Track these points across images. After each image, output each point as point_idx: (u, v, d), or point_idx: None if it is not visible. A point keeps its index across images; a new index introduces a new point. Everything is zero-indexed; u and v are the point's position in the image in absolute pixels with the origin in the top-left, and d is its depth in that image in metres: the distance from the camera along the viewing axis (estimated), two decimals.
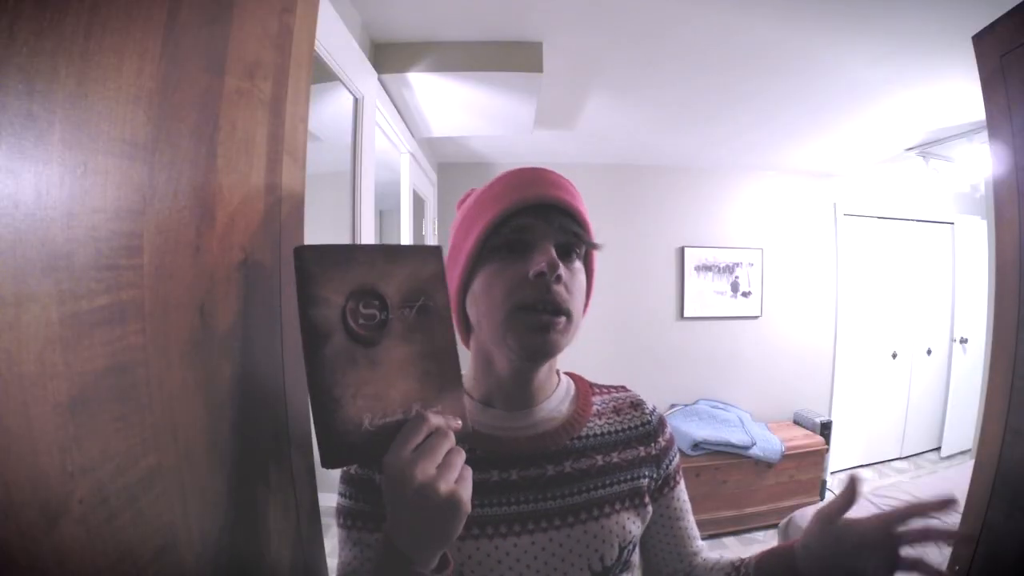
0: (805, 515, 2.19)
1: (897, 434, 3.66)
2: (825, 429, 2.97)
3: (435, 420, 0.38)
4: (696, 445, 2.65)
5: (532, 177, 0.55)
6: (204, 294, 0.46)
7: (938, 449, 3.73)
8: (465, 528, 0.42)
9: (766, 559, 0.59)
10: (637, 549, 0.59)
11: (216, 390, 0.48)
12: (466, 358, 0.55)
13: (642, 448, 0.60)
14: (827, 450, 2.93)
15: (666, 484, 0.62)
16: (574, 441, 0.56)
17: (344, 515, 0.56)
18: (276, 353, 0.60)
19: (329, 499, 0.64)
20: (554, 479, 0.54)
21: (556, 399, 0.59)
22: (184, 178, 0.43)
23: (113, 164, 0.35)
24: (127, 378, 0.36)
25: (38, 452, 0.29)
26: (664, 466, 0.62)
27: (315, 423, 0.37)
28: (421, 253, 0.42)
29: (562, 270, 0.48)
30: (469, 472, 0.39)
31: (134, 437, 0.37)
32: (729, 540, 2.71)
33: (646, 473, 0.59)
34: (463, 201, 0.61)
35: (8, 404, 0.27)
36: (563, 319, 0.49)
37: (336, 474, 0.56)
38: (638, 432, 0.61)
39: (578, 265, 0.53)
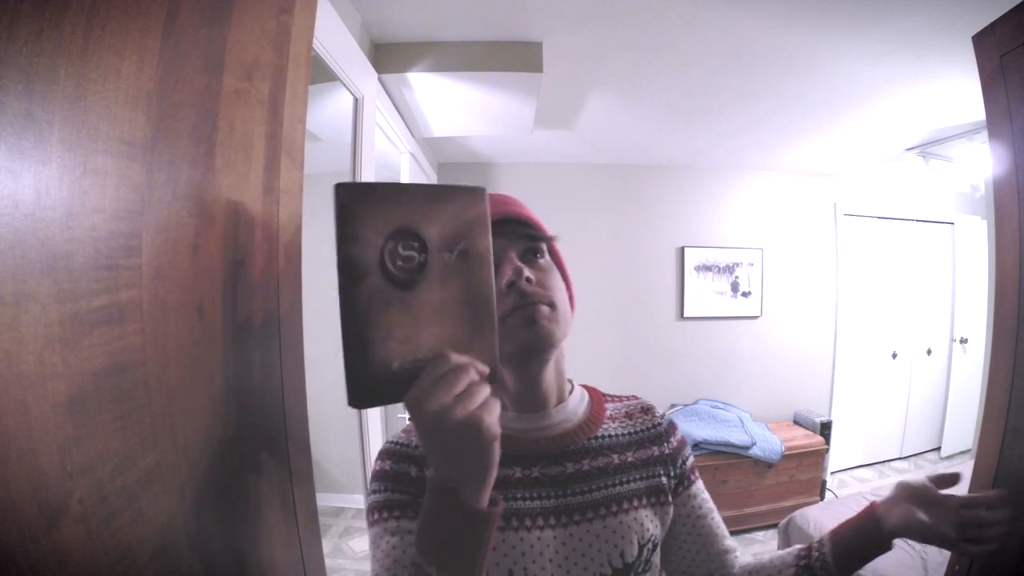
0: (805, 515, 2.19)
1: (897, 434, 3.66)
2: (825, 429, 2.97)
3: (457, 359, 0.37)
4: (696, 445, 2.66)
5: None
6: (203, 294, 0.46)
7: (938, 449, 3.73)
8: None
9: (843, 531, 0.60)
10: (658, 552, 0.60)
11: (215, 390, 0.48)
12: None
13: (656, 448, 0.62)
14: (827, 450, 2.93)
15: (682, 483, 0.63)
16: (591, 441, 0.59)
17: (380, 508, 0.54)
18: (275, 353, 0.60)
19: (329, 499, 0.64)
20: (574, 476, 0.56)
21: (572, 403, 0.61)
22: (183, 178, 0.43)
23: (112, 164, 0.35)
24: (126, 378, 0.36)
25: (37, 452, 0.29)
26: (679, 464, 0.63)
27: (345, 363, 0.36)
28: (466, 194, 0.39)
29: (527, 272, 0.52)
30: (496, 403, 0.38)
31: (133, 437, 0.37)
32: None
33: (662, 471, 0.61)
34: None
35: (8, 404, 0.27)
36: (546, 307, 0.52)
37: (335, 474, 0.56)
38: (650, 434, 0.63)
39: (544, 261, 0.56)
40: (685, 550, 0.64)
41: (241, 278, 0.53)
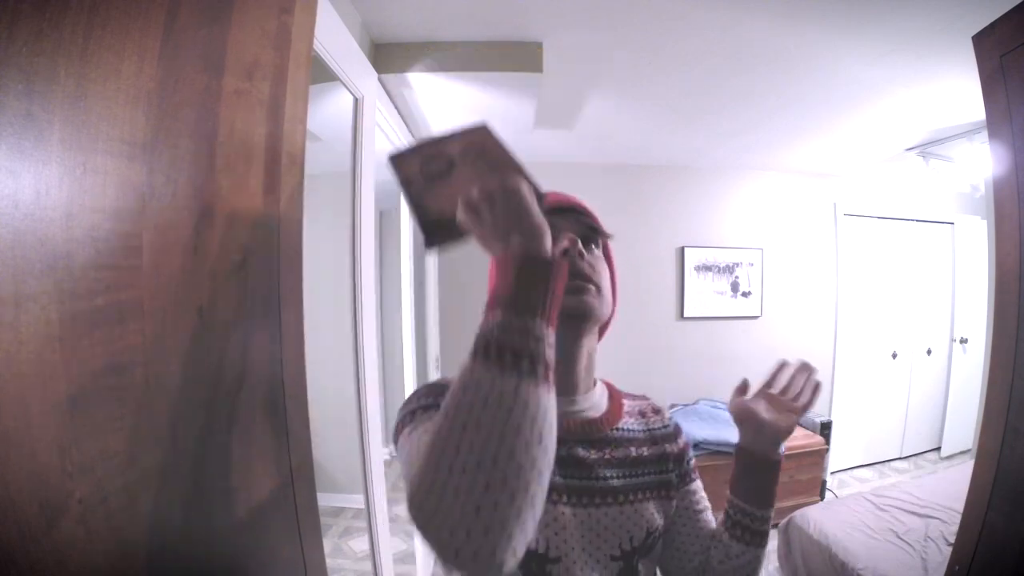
0: (805, 515, 2.19)
1: (897, 434, 3.65)
2: (825, 429, 2.97)
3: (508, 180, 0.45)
4: (696, 445, 2.65)
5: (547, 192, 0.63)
6: (203, 294, 0.46)
7: (938, 449, 3.72)
8: None
9: (732, 478, 0.68)
10: (660, 540, 0.65)
11: (215, 390, 0.48)
12: None
13: (667, 446, 0.67)
14: (827, 450, 2.93)
15: (684, 480, 0.68)
16: (613, 431, 0.64)
17: (414, 412, 0.56)
18: (275, 353, 0.60)
19: (329, 499, 0.64)
20: (597, 462, 0.61)
21: (596, 395, 0.66)
22: (183, 178, 0.43)
23: (112, 164, 0.35)
24: (126, 378, 0.36)
25: (37, 451, 0.29)
26: (684, 463, 0.69)
27: (416, 222, 0.52)
28: (471, 129, 0.55)
29: (590, 250, 0.59)
30: (542, 198, 0.46)
31: (133, 437, 0.37)
32: None
33: (671, 468, 0.66)
34: None
35: (8, 404, 0.27)
36: (592, 286, 0.57)
37: (335, 474, 0.56)
38: (661, 432, 0.68)
39: (598, 253, 0.62)
40: (681, 540, 0.68)
41: (241, 278, 0.53)
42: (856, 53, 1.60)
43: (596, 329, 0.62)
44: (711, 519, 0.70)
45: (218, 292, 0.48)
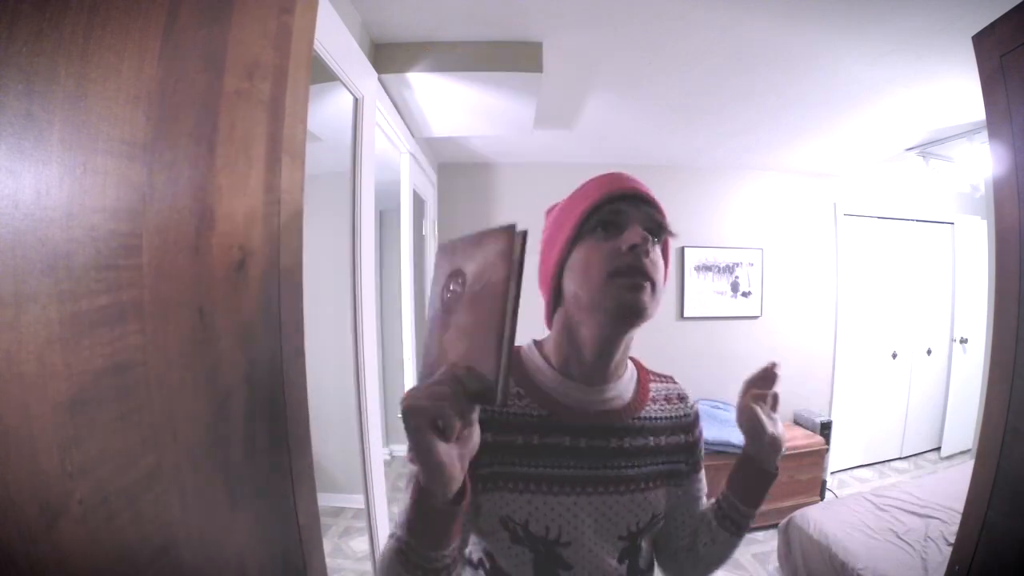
0: (805, 515, 2.19)
1: (897, 434, 3.66)
2: (825, 429, 2.97)
3: (451, 369, 0.43)
4: None
5: (619, 176, 0.62)
6: (203, 294, 0.46)
7: (938, 449, 3.73)
8: (537, 483, 0.58)
9: (730, 476, 0.69)
10: (661, 522, 0.67)
11: (215, 390, 0.48)
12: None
13: (683, 436, 0.68)
14: (827, 450, 2.93)
15: (694, 468, 0.70)
16: (634, 421, 0.64)
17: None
18: (276, 353, 0.60)
19: (329, 499, 0.64)
20: (615, 451, 0.62)
21: (625, 380, 0.66)
22: (183, 178, 0.43)
23: (112, 164, 0.35)
24: (127, 378, 0.36)
25: (38, 452, 0.29)
26: (697, 453, 0.71)
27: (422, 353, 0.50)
28: (497, 232, 0.46)
29: (650, 247, 0.57)
30: (470, 412, 0.43)
31: (134, 437, 0.37)
32: None
33: (682, 458, 0.68)
34: (551, 209, 0.71)
35: (8, 404, 0.27)
36: (650, 285, 0.56)
37: (335, 474, 0.57)
38: (682, 422, 0.69)
39: (658, 249, 0.60)
40: (679, 522, 0.71)
41: (241, 278, 0.53)
42: (856, 53, 1.60)
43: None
44: (705, 503, 0.73)
45: (218, 292, 0.48)
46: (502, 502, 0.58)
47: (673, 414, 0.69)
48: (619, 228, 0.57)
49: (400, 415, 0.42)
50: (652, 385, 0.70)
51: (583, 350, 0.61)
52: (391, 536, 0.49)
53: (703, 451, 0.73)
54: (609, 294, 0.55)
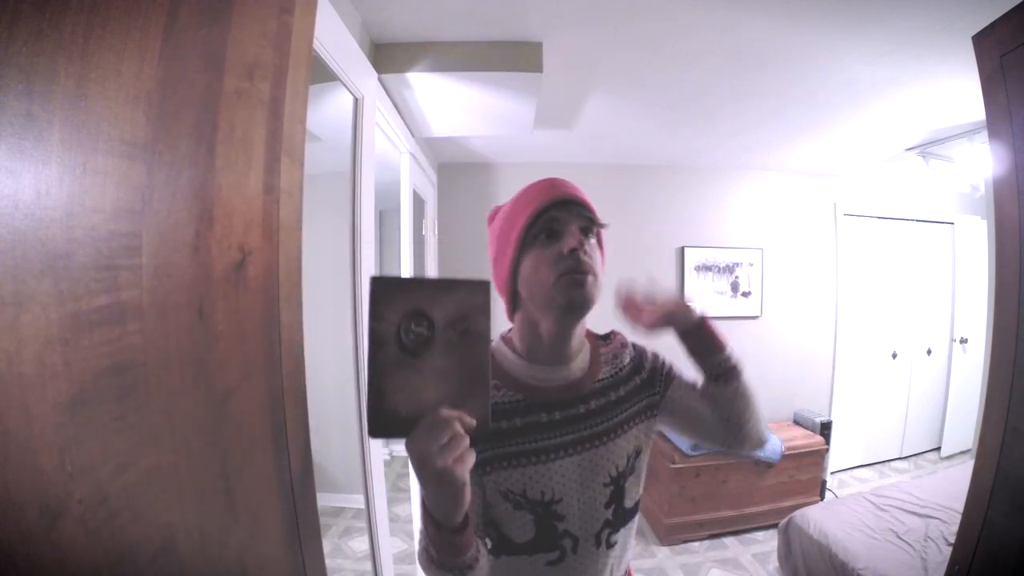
0: (805, 515, 2.19)
1: (897, 434, 3.66)
2: (825, 429, 2.97)
3: (448, 414, 0.47)
4: (696, 445, 2.66)
5: (552, 184, 0.70)
6: (203, 294, 0.46)
7: (938, 449, 3.73)
8: (527, 457, 0.68)
9: (687, 354, 0.77)
10: (641, 456, 0.76)
11: (215, 390, 0.48)
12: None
13: (637, 377, 0.78)
14: (827, 450, 2.93)
15: (666, 386, 0.79)
16: (594, 384, 0.74)
17: None
18: (275, 353, 0.60)
19: (329, 499, 0.64)
20: (585, 415, 0.72)
21: (583, 353, 0.76)
22: (183, 178, 0.43)
23: (112, 164, 0.35)
24: (127, 378, 0.36)
25: (38, 452, 0.29)
26: (659, 379, 0.79)
27: (367, 404, 0.49)
28: (471, 285, 0.50)
29: (586, 245, 0.67)
30: (470, 455, 0.48)
31: (134, 437, 0.37)
32: (729, 540, 2.71)
33: (646, 393, 0.78)
34: (493, 215, 0.78)
35: (8, 404, 0.27)
36: (591, 277, 0.66)
37: (335, 474, 0.58)
38: (631, 367, 0.79)
39: (593, 242, 0.71)
40: (695, 414, 0.78)
41: (241, 278, 0.53)
42: (856, 53, 1.60)
43: None
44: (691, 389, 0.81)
45: (218, 292, 0.48)
46: (500, 479, 0.67)
47: (622, 365, 0.78)
48: (558, 234, 0.67)
49: (425, 478, 0.48)
50: (603, 350, 0.79)
51: (544, 340, 0.71)
52: (421, 535, 0.59)
53: (665, 363, 0.81)
54: (558, 293, 0.65)
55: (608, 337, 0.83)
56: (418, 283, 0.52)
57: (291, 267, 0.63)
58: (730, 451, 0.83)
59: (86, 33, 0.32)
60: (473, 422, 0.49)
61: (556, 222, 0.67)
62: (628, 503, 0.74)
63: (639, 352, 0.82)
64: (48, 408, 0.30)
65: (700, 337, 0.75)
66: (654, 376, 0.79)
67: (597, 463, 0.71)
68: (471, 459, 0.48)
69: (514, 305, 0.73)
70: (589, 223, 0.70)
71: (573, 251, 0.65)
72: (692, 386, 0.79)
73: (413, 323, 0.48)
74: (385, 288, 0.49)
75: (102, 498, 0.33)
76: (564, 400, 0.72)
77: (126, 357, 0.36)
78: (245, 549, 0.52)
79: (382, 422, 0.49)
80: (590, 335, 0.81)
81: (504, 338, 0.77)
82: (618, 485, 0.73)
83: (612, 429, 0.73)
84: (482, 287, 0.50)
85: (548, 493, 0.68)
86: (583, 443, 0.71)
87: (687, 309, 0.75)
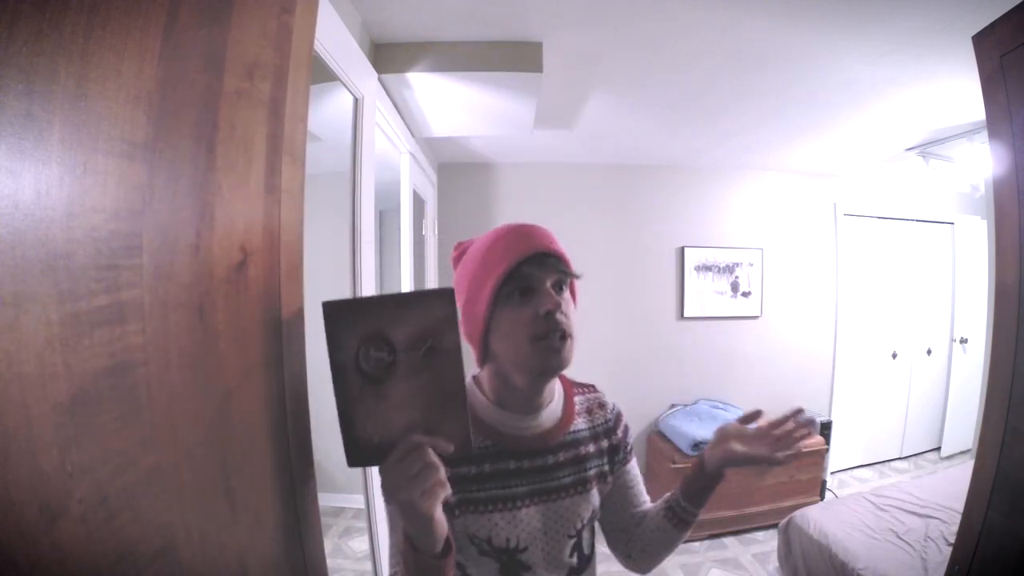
0: (805, 515, 2.19)
1: (897, 434, 3.66)
2: (825, 429, 2.97)
3: (418, 441, 0.46)
4: (696, 445, 2.65)
5: (523, 235, 0.67)
6: (203, 294, 0.46)
7: (938, 449, 3.73)
8: (493, 503, 0.67)
9: (685, 478, 0.77)
10: (596, 514, 0.77)
11: (215, 390, 0.48)
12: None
13: (606, 441, 0.78)
14: (827, 450, 2.93)
15: (622, 463, 0.81)
16: (566, 435, 0.74)
17: None
18: (276, 353, 0.60)
19: (329, 499, 0.65)
20: (553, 466, 0.72)
21: (555, 403, 0.75)
22: (184, 178, 0.43)
23: (113, 164, 0.35)
24: (127, 378, 0.36)
25: (38, 452, 0.29)
26: (621, 451, 0.80)
27: (341, 434, 0.46)
28: (431, 298, 0.45)
29: (562, 303, 0.65)
30: (440, 487, 0.47)
31: (133, 437, 0.37)
32: (729, 540, 2.71)
33: (608, 459, 0.78)
34: (459, 255, 0.76)
35: (8, 404, 0.27)
36: (568, 340, 0.65)
37: (335, 474, 0.58)
38: (603, 428, 0.79)
39: (567, 296, 0.69)
40: (615, 508, 0.81)
41: (241, 278, 0.53)
42: (856, 53, 1.60)
43: None
44: (640, 491, 0.83)
45: (218, 292, 0.48)
46: (467, 523, 0.67)
47: (596, 423, 0.78)
48: (532, 292, 0.65)
49: (397, 509, 0.47)
50: (577, 399, 0.79)
51: (516, 392, 0.70)
52: (394, 561, 0.57)
53: (630, 444, 0.82)
54: (534, 357, 0.64)
55: (585, 387, 0.82)
56: (373, 302, 0.47)
57: (291, 267, 0.63)
58: (617, 555, 0.83)
59: (86, 33, 0.32)
60: (450, 447, 0.47)
61: (531, 279, 0.65)
62: (586, 550, 0.76)
63: (616, 417, 0.81)
64: (48, 408, 0.30)
65: (708, 480, 0.74)
66: (618, 449, 0.79)
67: (562, 515, 0.71)
68: (442, 491, 0.47)
69: (485, 355, 0.71)
70: (563, 275, 0.68)
71: (550, 312, 0.63)
72: (634, 481, 0.82)
73: (371, 348, 0.45)
74: (337, 312, 0.46)
75: (102, 498, 0.33)
76: (533, 450, 0.71)
77: (126, 357, 0.36)
78: (245, 549, 0.52)
79: (357, 452, 0.47)
80: (565, 381, 0.80)
81: (475, 379, 0.76)
82: (579, 537, 0.73)
83: (578, 483, 0.73)
84: (444, 297, 0.45)
85: (513, 540, 0.68)
86: (550, 494, 0.71)
87: (774, 460, 0.71)
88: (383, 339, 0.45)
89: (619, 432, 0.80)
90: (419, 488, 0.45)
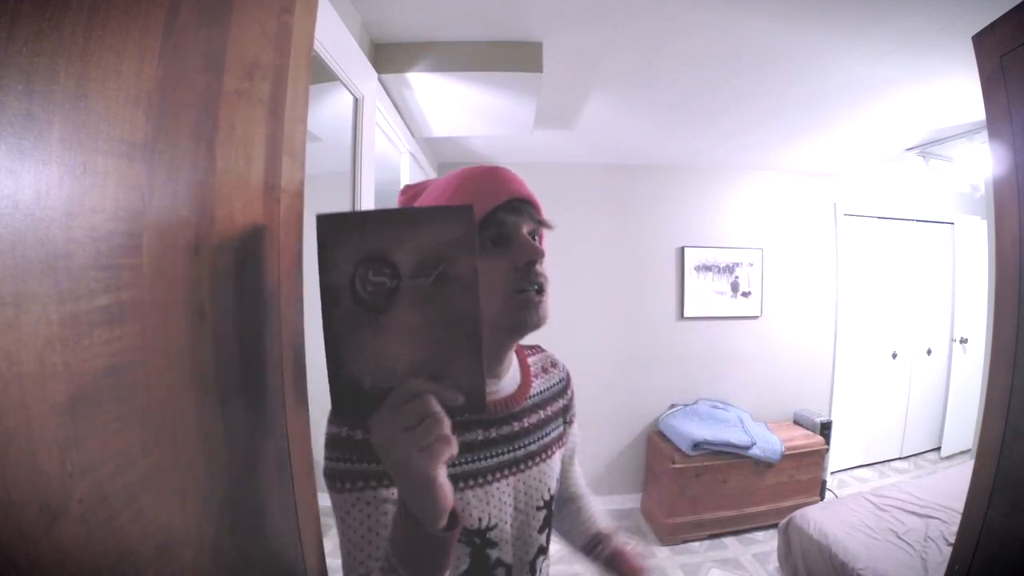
0: (805, 515, 2.19)
1: (897, 434, 3.66)
2: (825, 429, 2.97)
3: (416, 387, 0.38)
4: (696, 445, 2.65)
5: (500, 178, 0.62)
6: (203, 294, 0.46)
7: (938, 449, 3.73)
8: (464, 480, 0.59)
9: (607, 554, 0.79)
10: (559, 481, 0.75)
11: (215, 390, 0.48)
12: None
13: (561, 400, 0.76)
14: (827, 450, 2.93)
15: (569, 423, 0.79)
16: (527, 400, 0.69)
17: (345, 477, 0.54)
18: (275, 353, 0.60)
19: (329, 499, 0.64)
20: (519, 433, 0.67)
21: (512, 370, 0.70)
22: (183, 178, 0.43)
23: (112, 164, 0.35)
24: (126, 378, 0.36)
25: (38, 452, 0.29)
26: (570, 411, 0.79)
27: (328, 377, 0.39)
28: (448, 214, 0.39)
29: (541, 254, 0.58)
30: (444, 444, 0.39)
31: (133, 437, 0.37)
32: (729, 540, 2.71)
33: (563, 419, 0.76)
34: (409, 198, 0.69)
35: (8, 404, 0.27)
36: (545, 295, 0.60)
37: None
38: (559, 387, 0.76)
39: (542, 246, 0.63)
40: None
41: (241, 278, 0.53)
42: (856, 53, 1.60)
43: None
44: (575, 459, 0.85)
45: (218, 292, 0.48)
46: None
47: (552, 383, 0.75)
48: (508, 240, 0.58)
49: (389, 469, 0.38)
50: (530, 359, 0.75)
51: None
52: (382, 571, 0.45)
53: (574, 402, 0.81)
54: (509, 312, 0.57)
55: (532, 347, 0.78)
56: (376, 217, 0.40)
57: (291, 267, 0.63)
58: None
59: (86, 33, 0.32)
60: (459, 398, 0.39)
61: (505, 226, 0.58)
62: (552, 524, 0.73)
63: (567, 375, 0.79)
64: (48, 408, 0.30)
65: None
66: (569, 407, 0.78)
67: (532, 485, 0.67)
68: (446, 449, 0.38)
69: None
70: (537, 225, 0.62)
71: (531, 263, 0.57)
72: (573, 445, 0.82)
73: (371, 271, 0.38)
74: (334, 227, 0.39)
75: (102, 498, 0.33)
76: (499, 418, 0.65)
77: (126, 357, 0.36)
78: (245, 549, 0.52)
79: (345, 397, 0.39)
80: (519, 351, 0.74)
81: None
82: (550, 509, 0.69)
83: (544, 448, 0.69)
84: (462, 215, 0.38)
85: (485, 519, 0.62)
86: (518, 464, 0.66)
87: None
88: (386, 260, 0.38)
89: (569, 391, 0.78)
90: (417, 445, 0.37)
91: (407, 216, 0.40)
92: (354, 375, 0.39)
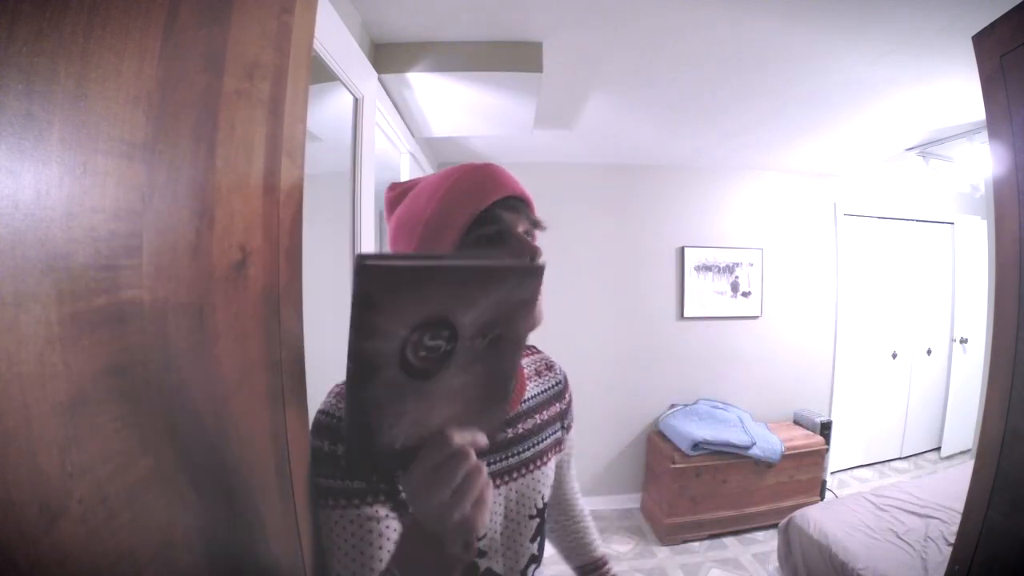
0: (805, 515, 2.19)
1: (897, 434, 3.66)
2: (825, 429, 2.97)
3: (458, 440, 0.37)
4: (696, 445, 2.65)
5: (491, 174, 0.60)
6: (203, 294, 0.46)
7: (938, 449, 3.73)
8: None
9: None
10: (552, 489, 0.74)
11: (215, 390, 0.48)
12: None
13: (558, 404, 0.73)
14: (827, 450, 2.93)
15: (567, 429, 0.76)
16: (522, 405, 0.67)
17: (335, 495, 0.55)
18: (276, 353, 0.60)
19: None
20: (513, 440, 0.65)
21: None
22: (183, 178, 0.43)
23: (112, 164, 0.35)
24: (126, 378, 0.36)
25: (37, 452, 0.29)
26: (568, 416, 0.76)
27: (347, 441, 0.36)
28: (525, 273, 0.34)
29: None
30: (488, 493, 0.38)
31: (133, 437, 0.37)
32: (729, 540, 2.71)
33: (560, 425, 0.73)
34: (397, 195, 0.67)
35: (8, 404, 0.27)
36: (540, 296, 0.57)
37: None
38: (555, 391, 0.73)
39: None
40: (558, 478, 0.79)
41: (242, 278, 0.52)
42: (856, 53, 1.60)
43: None
44: (572, 465, 0.82)
45: (218, 292, 0.48)
46: None
47: (548, 386, 0.73)
48: (502, 238, 0.56)
49: (434, 526, 0.37)
50: (524, 362, 0.72)
51: None
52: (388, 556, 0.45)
53: (573, 408, 0.78)
54: None
55: (528, 349, 0.75)
56: (446, 273, 0.31)
57: (291, 267, 0.63)
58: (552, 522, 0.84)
59: (86, 33, 0.32)
60: (485, 442, 0.38)
61: (502, 223, 0.56)
62: (543, 540, 0.70)
63: (564, 379, 0.76)
64: (48, 408, 0.30)
65: None
66: (567, 412, 0.75)
67: (524, 494, 0.65)
68: (491, 494, 0.38)
69: None
70: (533, 224, 0.60)
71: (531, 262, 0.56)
72: (570, 452, 0.80)
73: (428, 335, 0.31)
74: (388, 286, 0.29)
75: (102, 498, 0.33)
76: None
77: (126, 357, 0.36)
78: (245, 549, 0.52)
79: (366, 457, 0.36)
80: None
81: None
82: (543, 518, 0.68)
83: (539, 455, 0.67)
84: (536, 275, 0.34)
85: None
86: (510, 472, 0.64)
87: None
88: (447, 325, 0.32)
89: (567, 395, 0.76)
90: (469, 499, 0.36)
91: (484, 273, 0.32)
92: (386, 440, 0.35)
